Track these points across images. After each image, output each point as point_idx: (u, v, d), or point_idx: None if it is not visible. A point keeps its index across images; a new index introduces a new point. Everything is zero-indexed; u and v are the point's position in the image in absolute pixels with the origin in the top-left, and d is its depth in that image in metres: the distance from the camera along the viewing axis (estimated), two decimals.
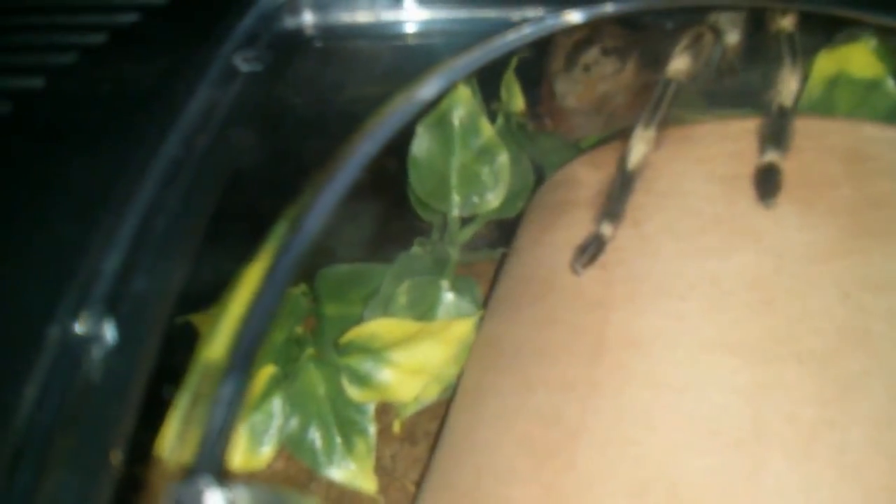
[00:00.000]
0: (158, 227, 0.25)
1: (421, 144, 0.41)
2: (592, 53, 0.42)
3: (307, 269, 0.41)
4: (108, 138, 0.28)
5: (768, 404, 0.27)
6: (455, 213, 0.43)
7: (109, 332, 0.23)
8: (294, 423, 0.37)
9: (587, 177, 0.38)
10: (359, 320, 0.39)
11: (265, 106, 0.30)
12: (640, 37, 0.41)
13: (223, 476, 0.19)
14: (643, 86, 0.42)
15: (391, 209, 0.44)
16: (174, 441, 0.21)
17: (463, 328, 0.39)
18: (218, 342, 0.22)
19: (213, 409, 0.20)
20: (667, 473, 0.27)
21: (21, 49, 0.30)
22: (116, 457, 0.21)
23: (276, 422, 0.37)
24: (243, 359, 0.21)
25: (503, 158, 0.43)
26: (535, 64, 0.44)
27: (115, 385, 0.22)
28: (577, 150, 0.45)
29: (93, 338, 0.23)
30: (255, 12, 0.32)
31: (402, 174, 0.42)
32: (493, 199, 0.43)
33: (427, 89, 0.29)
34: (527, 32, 0.30)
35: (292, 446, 0.38)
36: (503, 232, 0.46)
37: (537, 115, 0.44)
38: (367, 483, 0.37)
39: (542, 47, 0.42)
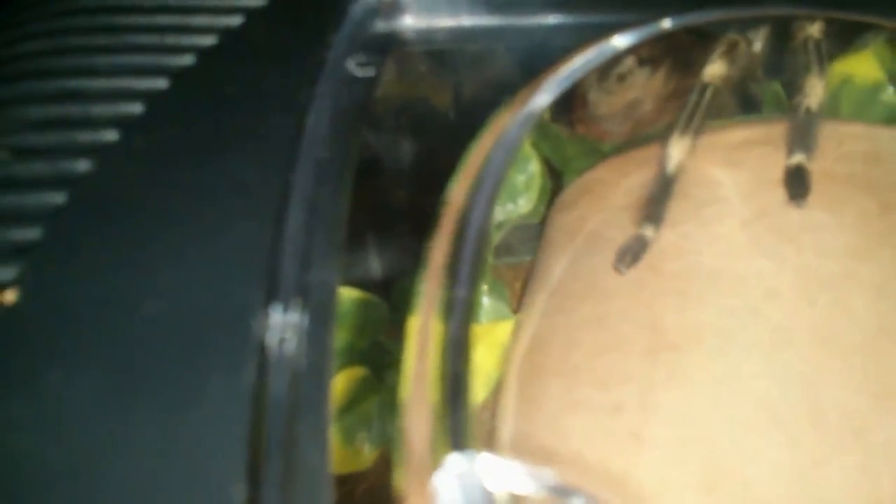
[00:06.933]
0: (318, 221, 0.26)
1: None
2: (628, 64, 0.44)
3: (380, 280, 0.41)
4: (248, 139, 0.28)
5: (823, 396, 0.29)
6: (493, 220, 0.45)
7: (302, 321, 0.24)
8: (391, 428, 0.37)
9: (616, 181, 0.40)
10: None
11: (379, 110, 0.31)
12: (670, 45, 0.43)
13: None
14: (671, 92, 0.44)
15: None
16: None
17: (505, 331, 0.40)
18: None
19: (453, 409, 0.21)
20: (736, 471, 0.28)
21: (139, 50, 0.30)
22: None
23: (374, 424, 0.38)
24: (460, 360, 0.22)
25: (534, 166, 0.45)
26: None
27: (317, 370, 0.23)
28: (599, 155, 0.46)
29: (290, 326, 0.23)
30: (352, 15, 0.33)
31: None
32: (525, 205, 0.45)
33: (543, 96, 0.30)
34: (630, 38, 0.32)
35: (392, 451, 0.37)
36: (519, 237, 0.47)
37: (570, 121, 0.46)
38: None
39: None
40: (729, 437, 0.29)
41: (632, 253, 0.34)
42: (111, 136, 0.28)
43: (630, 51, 0.34)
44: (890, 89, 0.47)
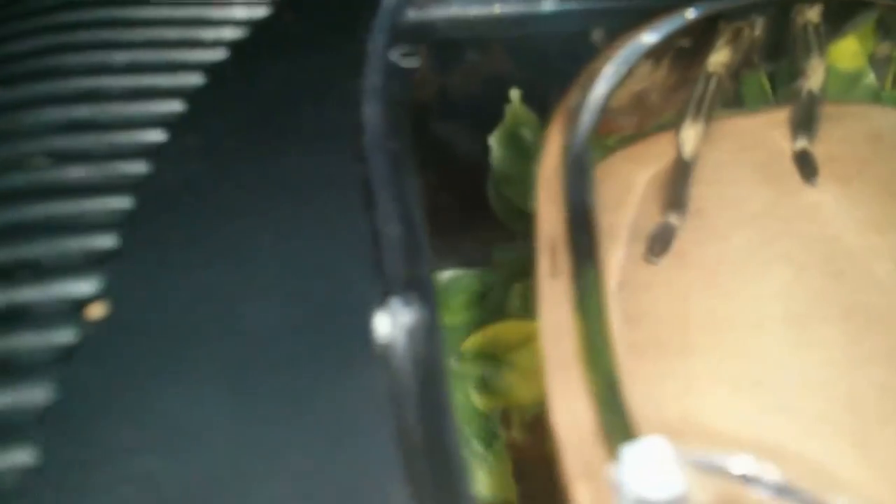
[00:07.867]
0: (408, 212, 0.24)
1: (501, 157, 0.41)
2: None
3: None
4: (307, 132, 0.26)
5: (859, 375, 0.28)
6: None
7: (422, 315, 0.21)
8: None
9: (629, 172, 0.38)
10: (467, 327, 0.38)
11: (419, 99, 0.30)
12: (673, 35, 0.43)
13: None
14: (675, 83, 0.44)
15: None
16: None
17: None
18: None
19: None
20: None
21: (171, 45, 0.28)
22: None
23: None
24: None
25: None
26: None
27: (439, 366, 0.21)
28: (606, 149, 0.45)
29: (409, 321, 0.21)
30: (385, 5, 0.31)
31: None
32: None
33: (602, 84, 0.29)
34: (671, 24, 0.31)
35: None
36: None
37: None
38: (509, 492, 0.36)
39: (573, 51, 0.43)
40: (772, 437, 0.27)
41: (661, 241, 0.33)
42: (158, 135, 0.25)
43: (678, 33, 0.34)
44: (872, 74, 0.47)
